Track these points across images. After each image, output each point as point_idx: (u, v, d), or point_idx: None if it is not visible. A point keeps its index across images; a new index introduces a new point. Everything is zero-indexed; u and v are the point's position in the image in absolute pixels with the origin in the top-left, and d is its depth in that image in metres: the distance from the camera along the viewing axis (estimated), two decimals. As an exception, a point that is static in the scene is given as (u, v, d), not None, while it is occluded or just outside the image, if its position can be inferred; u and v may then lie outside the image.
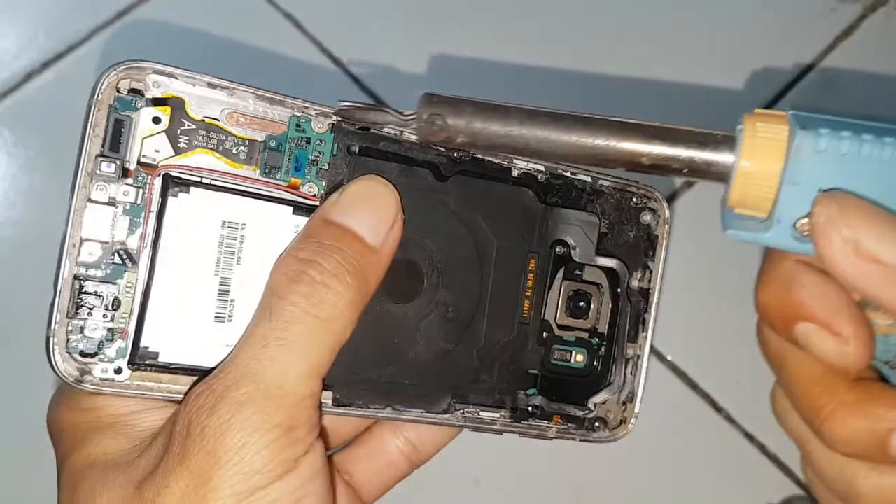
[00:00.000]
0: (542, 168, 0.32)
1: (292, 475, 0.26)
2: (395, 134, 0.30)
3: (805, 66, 0.58)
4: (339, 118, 0.28)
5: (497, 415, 0.32)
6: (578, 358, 0.34)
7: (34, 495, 0.54)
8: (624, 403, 0.34)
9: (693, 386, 0.56)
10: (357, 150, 0.29)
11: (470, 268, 0.31)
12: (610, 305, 0.34)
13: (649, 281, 0.34)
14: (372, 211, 0.28)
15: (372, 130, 0.29)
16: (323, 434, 0.28)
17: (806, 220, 0.23)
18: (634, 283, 0.34)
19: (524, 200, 0.32)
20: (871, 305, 0.24)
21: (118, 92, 0.26)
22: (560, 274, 0.33)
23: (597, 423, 0.34)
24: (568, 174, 0.33)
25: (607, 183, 0.33)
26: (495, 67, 0.60)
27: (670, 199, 0.58)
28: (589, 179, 0.33)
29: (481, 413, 0.32)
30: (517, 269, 0.32)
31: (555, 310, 0.33)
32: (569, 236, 0.33)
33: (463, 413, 0.32)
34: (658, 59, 0.59)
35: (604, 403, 0.34)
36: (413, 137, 0.30)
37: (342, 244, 0.27)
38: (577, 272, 0.33)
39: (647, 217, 0.34)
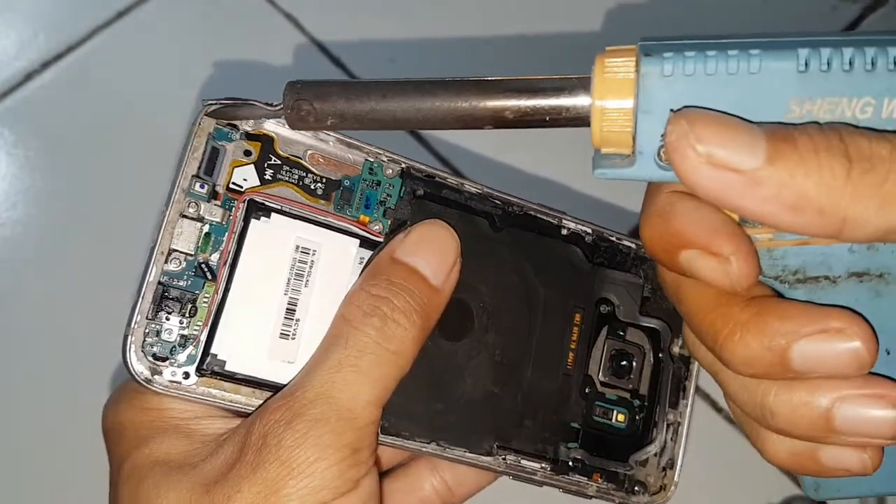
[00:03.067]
0: (588, 230, 0.34)
1: (353, 494, 0.27)
2: (456, 184, 0.33)
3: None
4: (215, 118, 0.29)
5: (539, 465, 0.33)
6: (620, 418, 0.34)
7: (33, 494, 0.53)
8: (664, 469, 0.34)
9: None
10: (422, 193, 0.32)
11: (518, 314, 0.33)
12: (651, 368, 0.35)
13: None
14: (435, 252, 0.30)
15: (436, 179, 0.32)
16: (378, 461, 0.29)
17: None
18: (675, 349, 0.35)
19: (572, 257, 0.34)
20: (749, 222, 0.24)
21: (217, 123, 0.30)
22: (604, 332, 0.34)
23: (636, 487, 0.34)
24: (613, 238, 0.35)
25: None
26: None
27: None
28: (633, 246, 0.35)
29: (523, 461, 0.33)
30: (563, 322, 0.34)
31: (598, 366, 0.34)
32: (613, 295, 0.35)
33: (505, 459, 0.32)
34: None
35: (644, 464, 0.34)
36: (474, 189, 0.32)
37: (410, 283, 0.29)
38: (621, 332, 0.35)
39: None
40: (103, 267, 0.57)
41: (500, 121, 0.24)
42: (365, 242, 0.31)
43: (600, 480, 0.33)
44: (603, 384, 0.34)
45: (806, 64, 0.22)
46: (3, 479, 0.54)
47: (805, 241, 0.24)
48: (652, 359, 0.35)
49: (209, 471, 0.27)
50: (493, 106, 0.24)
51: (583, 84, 0.24)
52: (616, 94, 0.23)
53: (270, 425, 0.27)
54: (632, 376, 0.34)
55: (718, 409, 0.56)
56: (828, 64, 0.22)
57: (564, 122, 0.24)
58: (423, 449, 0.31)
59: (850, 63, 0.22)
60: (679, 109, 0.22)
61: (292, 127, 0.26)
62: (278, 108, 0.26)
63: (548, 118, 0.24)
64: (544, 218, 0.34)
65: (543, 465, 0.33)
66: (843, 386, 0.23)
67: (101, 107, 0.61)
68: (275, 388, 0.29)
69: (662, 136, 0.23)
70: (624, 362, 0.34)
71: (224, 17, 0.63)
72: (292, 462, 0.26)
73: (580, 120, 0.24)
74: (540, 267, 0.33)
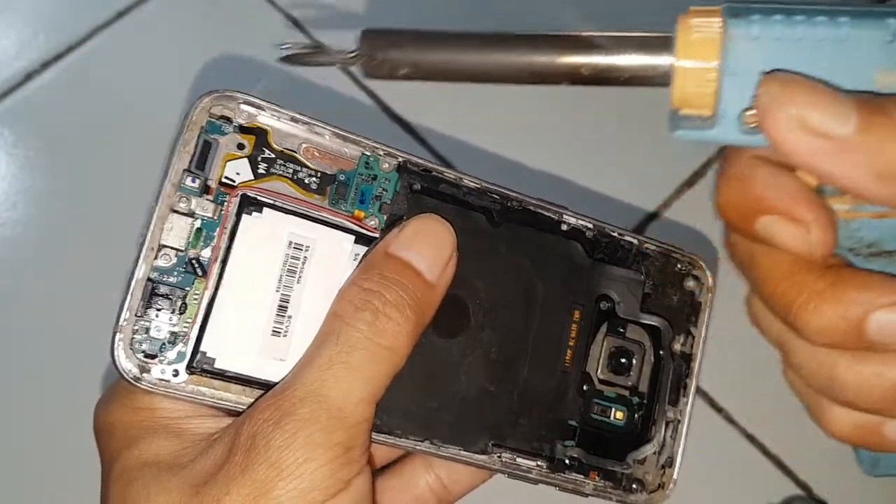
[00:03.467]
0: (589, 226, 0.34)
1: (345, 494, 0.26)
2: (454, 178, 0.32)
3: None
4: (288, 63, 0.28)
5: (534, 463, 0.32)
6: (618, 415, 0.34)
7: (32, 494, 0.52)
8: (663, 467, 0.34)
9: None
10: (419, 187, 0.31)
11: (516, 311, 0.32)
12: (651, 366, 0.34)
13: (692, 346, 0.35)
14: (430, 247, 0.29)
15: (434, 173, 0.32)
16: (370, 459, 0.29)
17: (750, 111, 0.23)
18: (677, 347, 0.34)
19: (572, 253, 0.33)
20: (829, 191, 0.24)
21: (210, 116, 0.29)
22: (603, 329, 0.34)
23: (634, 485, 0.33)
24: (615, 234, 0.34)
25: (652, 247, 0.35)
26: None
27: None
28: (635, 242, 0.34)
29: (518, 460, 0.32)
30: (562, 318, 0.33)
31: (597, 364, 0.34)
32: (614, 292, 0.34)
33: (500, 457, 0.32)
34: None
35: (642, 463, 0.34)
36: (473, 184, 0.32)
37: (403, 278, 0.28)
38: (620, 329, 0.34)
39: (690, 283, 0.35)
40: (103, 267, 0.56)
41: (576, 77, 0.24)
42: (360, 238, 0.31)
43: (597, 479, 0.33)
44: (601, 381, 0.33)
45: (894, 35, 0.22)
46: (3, 479, 0.54)
47: (883, 213, 0.24)
48: (652, 356, 0.34)
49: (198, 472, 0.26)
50: (571, 62, 0.24)
51: (665, 43, 0.23)
52: (700, 54, 0.23)
53: (259, 425, 0.26)
54: (631, 374, 0.34)
55: (718, 409, 0.56)
56: None
57: (642, 81, 0.24)
58: (417, 447, 0.31)
59: None
60: (770, 72, 0.22)
61: (367, 75, 0.26)
62: (353, 55, 0.26)
63: (627, 76, 0.24)
64: (544, 213, 0.33)
65: (539, 463, 0.32)
66: None
67: (101, 107, 0.61)
68: (266, 386, 0.29)
69: (750, 99, 0.23)
70: (623, 359, 0.34)
71: (224, 17, 0.63)
72: (281, 463, 0.26)
73: (659, 79, 0.24)
74: (539, 263, 0.33)
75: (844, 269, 0.24)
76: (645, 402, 0.34)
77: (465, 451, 0.31)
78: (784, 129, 0.22)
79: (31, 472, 0.54)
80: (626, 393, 0.34)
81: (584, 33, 0.24)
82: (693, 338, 0.35)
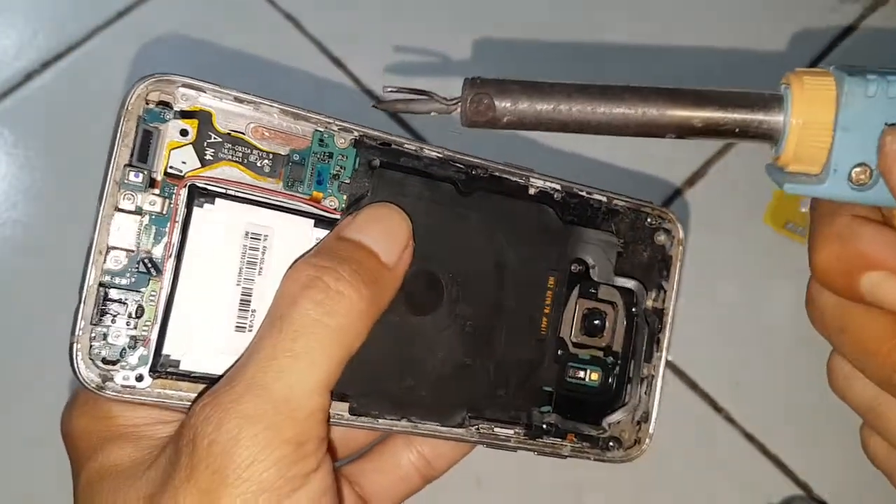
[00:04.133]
0: (557, 187, 0.33)
1: (302, 492, 0.25)
2: (414, 150, 0.30)
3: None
4: (382, 109, 0.28)
5: (511, 431, 0.32)
6: (593, 376, 0.34)
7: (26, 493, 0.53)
8: (638, 423, 0.34)
9: (693, 386, 0.56)
10: (378, 164, 0.30)
11: (489, 283, 0.32)
12: (625, 324, 0.34)
13: (663, 301, 0.34)
14: (385, 231, 0.28)
15: (392, 146, 0.30)
16: (331, 448, 0.27)
17: (860, 167, 0.23)
18: (649, 303, 0.34)
19: (544, 218, 0.32)
20: None
21: (147, 104, 0.27)
22: (575, 292, 0.33)
23: (611, 443, 0.34)
24: (583, 193, 0.33)
25: (622, 203, 0.34)
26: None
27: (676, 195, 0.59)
28: (604, 199, 0.33)
29: (496, 429, 0.32)
30: (536, 286, 0.32)
31: (570, 327, 0.33)
32: (588, 255, 0.33)
33: (478, 429, 0.32)
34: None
35: (618, 423, 0.34)
36: (434, 154, 0.30)
37: (358, 256, 0.27)
38: (592, 290, 0.34)
39: (661, 237, 0.34)
40: None
41: (686, 130, 0.25)
42: (320, 221, 0.29)
43: (574, 440, 0.33)
44: (575, 345, 0.33)
45: None
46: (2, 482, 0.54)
47: None
48: (625, 315, 0.34)
49: (152, 479, 0.25)
50: (682, 115, 0.24)
51: (776, 100, 0.24)
52: (816, 111, 0.24)
53: (199, 425, 0.24)
54: (604, 334, 0.34)
55: (718, 409, 0.56)
56: None
57: (751, 136, 0.24)
58: (395, 427, 0.30)
59: None
60: (892, 124, 0.23)
61: (468, 123, 0.25)
62: (455, 102, 0.25)
63: (737, 130, 0.24)
64: (511, 178, 0.32)
65: (517, 430, 0.32)
66: None
67: (101, 107, 0.59)
68: None
69: (861, 155, 0.23)
70: (596, 321, 0.33)
71: (224, 18, 0.62)
72: (226, 467, 0.24)
73: (769, 135, 0.24)
74: (510, 231, 0.32)
75: None
76: (619, 361, 0.34)
77: (442, 426, 0.31)
78: None
79: (29, 472, 0.54)
80: (601, 354, 0.34)
81: (696, 88, 0.25)
82: (665, 292, 0.34)
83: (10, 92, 0.59)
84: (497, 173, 0.32)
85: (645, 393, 0.34)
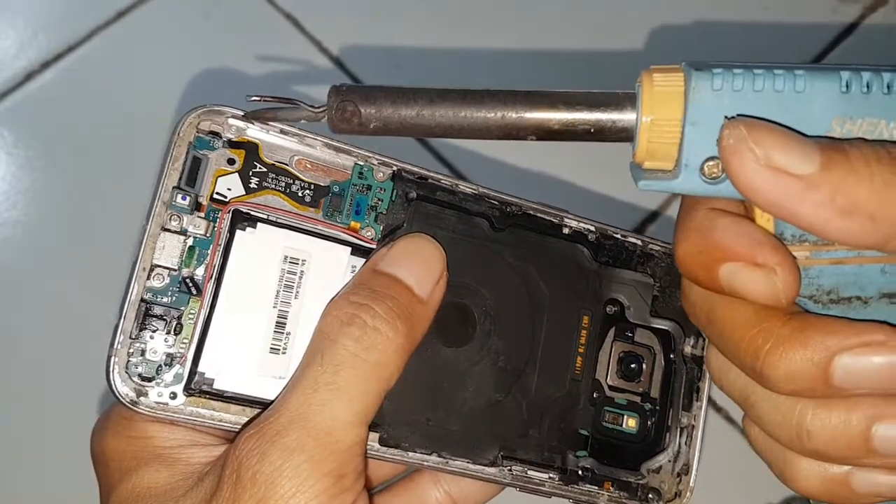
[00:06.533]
0: (592, 228, 0.33)
1: None
2: (450, 185, 0.31)
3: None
4: (250, 120, 0.28)
5: (546, 475, 0.31)
6: (630, 423, 0.33)
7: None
8: (679, 475, 0.33)
9: None
10: (415, 196, 0.31)
11: (523, 319, 0.32)
12: (663, 370, 0.33)
13: (702, 348, 0.34)
14: (420, 264, 0.29)
15: (429, 181, 0.31)
16: (367, 481, 0.28)
17: (712, 161, 0.23)
18: (688, 350, 0.34)
19: (577, 257, 0.33)
20: (787, 239, 0.24)
21: (198, 132, 0.28)
22: (611, 334, 0.33)
23: (650, 495, 0.32)
24: (618, 236, 0.33)
25: (657, 247, 0.34)
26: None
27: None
28: (639, 243, 0.34)
29: (529, 472, 0.31)
30: (570, 325, 0.32)
31: (606, 370, 0.33)
32: (622, 296, 0.33)
33: (510, 470, 0.31)
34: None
35: (657, 472, 0.33)
36: (469, 190, 0.31)
37: (392, 292, 0.28)
38: (629, 334, 0.33)
39: None
40: (103, 267, 0.56)
41: (543, 132, 0.25)
42: (357, 250, 0.30)
43: (612, 489, 0.32)
44: (612, 388, 0.33)
45: (847, 85, 0.23)
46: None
47: (841, 259, 0.24)
48: (663, 360, 0.33)
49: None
50: (539, 117, 0.25)
51: (629, 99, 0.24)
52: (664, 107, 0.24)
53: (244, 456, 0.25)
54: (642, 379, 0.33)
55: (718, 409, 0.55)
56: (867, 86, 0.23)
57: (608, 136, 0.25)
58: (425, 462, 0.30)
59: (889, 87, 0.23)
60: (732, 117, 0.23)
61: (335, 130, 0.26)
62: (321, 109, 0.26)
63: (592, 130, 0.25)
64: (544, 217, 0.32)
65: (551, 475, 0.31)
66: (883, 404, 0.23)
67: (100, 107, 0.61)
68: (266, 405, 0.28)
69: (711, 149, 0.23)
70: (633, 364, 0.33)
71: (224, 18, 0.63)
72: (269, 499, 0.24)
73: (624, 133, 0.25)
74: (544, 268, 0.32)
75: (809, 314, 0.24)
76: (657, 408, 0.33)
77: (474, 464, 0.30)
78: (750, 170, 0.22)
79: (26, 477, 0.53)
80: (638, 399, 0.33)
81: (553, 90, 0.25)
82: (703, 339, 0.34)
83: (10, 92, 0.59)
84: (531, 212, 0.32)
85: (685, 443, 0.33)
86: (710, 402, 0.54)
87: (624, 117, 0.24)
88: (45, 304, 0.57)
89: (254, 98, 0.28)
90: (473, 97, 0.25)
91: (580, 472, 0.32)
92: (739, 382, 0.26)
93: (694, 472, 0.33)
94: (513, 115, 0.25)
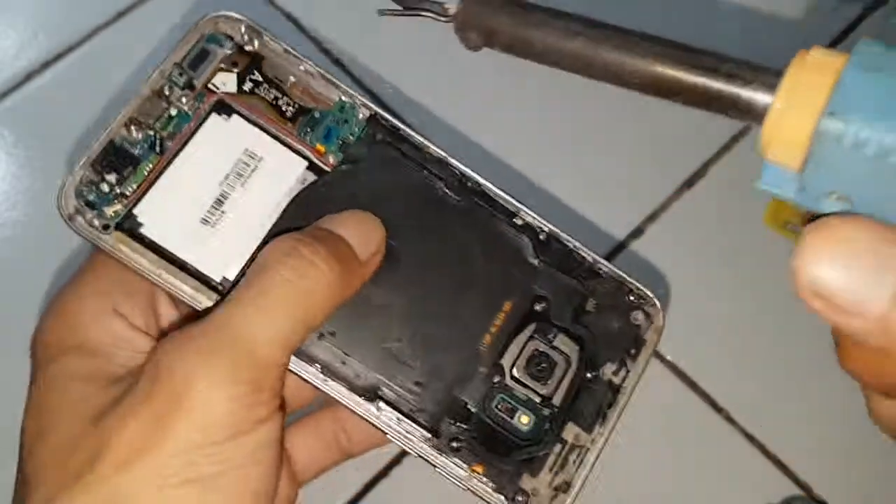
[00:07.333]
0: (545, 228, 0.34)
1: (249, 437, 0.26)
2: (420, 144, 0.33)
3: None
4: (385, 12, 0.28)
5: (418, 432, 0.31)
6: (524, 419, 0.32)
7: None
8: (556, 490, 0.31)
9: (693, 386, 0.55)
10: (381, 138, 0.33)
11: (447, 277, 0.32)
12: (573, 383, 0.32)
13: (623, 379, 0.33)
14: (362, 231, 0.30)
15: (401, 132, 0.33)
16: (283, 406, 0.28)
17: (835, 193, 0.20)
18: (607, 373, 0.33)
19: (521, 247, 0.33)
20: None
21: (215, 29, 0.33)
22: (530, 329, 0.33)
23: (518, 497, 0.31)
24: (570, 245, 0.34)
25: (605, 269, 0.34)
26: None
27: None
28: (589, 259, 0.34)
29: (402, 423, 0.31)
30: (490, 303, 0.33)
31: (513, 360, 0.32)
32: (553, 297, 0.33)
33: (382, 410, 0.31)
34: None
35: (534, 477, 0.31)
36: (436, 152, 0.33)
37: (334, 241, 0.29)
38: (549, 336, 0.33)
39: (639, 317, 0.33)
40: None
41: (663, 91, 0.22)
42: (313, 167, 0.32)
43: (479, 473, 0.31)
44: (514, 379, 0.32)
45: None
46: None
47: None
48: (577, 373, 0.32)
49: (107, 395, 0.27)
50: (671, 75, 0.22)
51: (773, 76, 0.21)
52: (804, 95, 0.20)
53: (163, 352, 0.26)
54: (549, 382, 0.32)
55: (718, 409, 0.54)
56: None
57: (735, 114, 0.22)
58: (304, 372, 0.30)
59: None
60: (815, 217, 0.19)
61: (462, 39, 0.24)
62: (453, 11, 0.25)
63: (728, 107, 0.22)
64: (501, 202, 0.33)
65: (424, 433, 0.31)
66: None
67: (101, 107, 0.61)
68: (179, 265, 0.30)
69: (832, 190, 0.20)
70: (543, 365, 0.32)
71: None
72: (181, 396, 0.25)
73: (752, 115, 0.21)
74: (483, 243, 0.33)
75: None
76: (556, 416, 0.32)
77: (349, 391, 0.31)
78: (808, 298, 0.19)
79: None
80: (538, 400, 0.32)
81: (692, 48, 0.22)
82: (628, 371, 0.33)
83: (10, 92, 0.59)
84: (490, 193, 0.33)
85: (573, 462, 0.31)
86: (710, 402, 0.53)
87: (756, 99, 0.21)
88: (45, 305, 0.59)
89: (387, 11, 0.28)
90: (613, 38, 0.22)
91: (454, 444, 0.31)
92: None
93: (574, 493, 0.31)
94: (669, 71, 0.22)
